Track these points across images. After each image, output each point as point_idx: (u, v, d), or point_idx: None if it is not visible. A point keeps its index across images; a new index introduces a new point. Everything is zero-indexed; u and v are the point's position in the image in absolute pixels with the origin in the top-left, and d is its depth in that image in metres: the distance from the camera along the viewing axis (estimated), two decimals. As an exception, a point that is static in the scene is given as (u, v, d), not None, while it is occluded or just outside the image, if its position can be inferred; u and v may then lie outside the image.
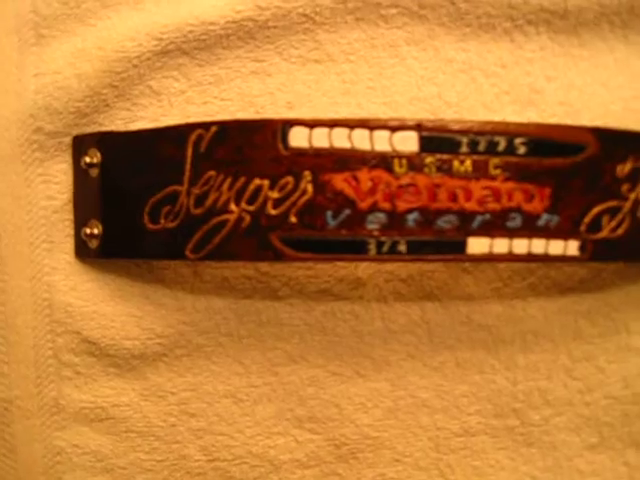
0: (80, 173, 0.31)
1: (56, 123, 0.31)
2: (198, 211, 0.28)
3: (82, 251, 0.31)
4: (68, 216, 0.32)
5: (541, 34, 0.32)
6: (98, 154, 0.31)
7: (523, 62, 0.32)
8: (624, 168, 0.29)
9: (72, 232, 0.32)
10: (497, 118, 0.31)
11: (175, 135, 0.29)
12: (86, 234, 0.31)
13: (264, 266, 0.31)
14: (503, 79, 0.31)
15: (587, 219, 0.28)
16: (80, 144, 0.31)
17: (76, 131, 0.32)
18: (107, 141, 0.31)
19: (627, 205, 0.29)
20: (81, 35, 0.31)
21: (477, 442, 0.32)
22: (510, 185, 0.28)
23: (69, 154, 0.32)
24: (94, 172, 0.31)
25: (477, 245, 0.28)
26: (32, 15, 0.31)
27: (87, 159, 0.31)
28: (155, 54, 0.31)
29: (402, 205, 0.27)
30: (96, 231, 0.31)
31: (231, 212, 0.28)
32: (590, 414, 0.32)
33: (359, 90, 0.31)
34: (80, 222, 0.31)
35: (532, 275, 0.32)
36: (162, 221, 0.29)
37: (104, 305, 0.31)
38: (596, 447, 0.32)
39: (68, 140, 0.32)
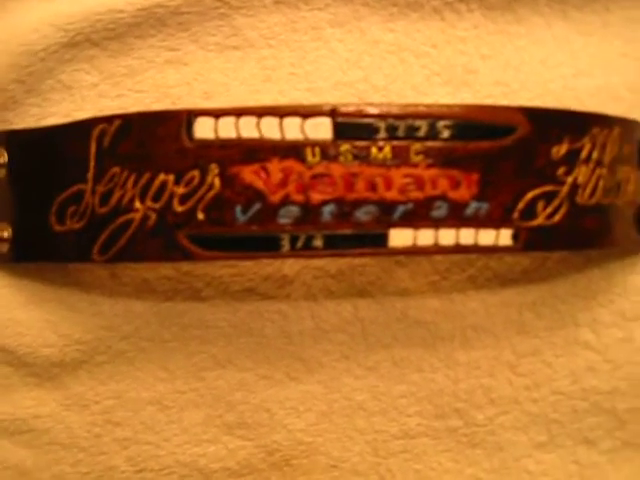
0: (-11, 174, 0.29)
1: None
2: (103, 210, 0.26)
3: (-6, 256, 0.29)
4: (-20, 220, 0.29)
5: (473, 11, 0.29)
6: (5, 153, 0.28)
7: (455, 41, 0.29)
8: (560, 150, 0.26)
9: (-16, 236, 0.29)
10: (429, 101, 0.29)
11: (78, 130, 0.26)
12: (-4, 237, 0.29)
13: (185, 265, 0.29)
14: (434, 60, 0.29)
15: (520, 205, 0.26)
16: (-12, 143, 0.29)
17: (-16, 130, 0.29)
18: (13, 139, 0.28)
19: (564, 189, 0.26)
20: None
21: (418, 444, 0.30)
22: (434, 172, 0.25)
23: (-21, 155, 0.29)
24: (1, 172, 0.28)
25: (399, 237, 0.25)
26: None
27: (-5, 159, 0.29)
28: (63, 46, 0.28)
29: (316, 197, 0.25)
30: (6, 234, 0.28)
31: (136, 210, 0.25)
32: (538, 411, 0.30)
33: (281, 76, 0.29)
34: (-9, 225, 0.29)
35: (471, 267, 0.29)
36: (68, 222, 0.26)
37: (19, 312, 0.29)
38: (545, 446, 0.30)
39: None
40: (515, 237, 0.26)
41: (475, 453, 0.30)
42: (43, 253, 0.28)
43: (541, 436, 0.30)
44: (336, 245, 0.25)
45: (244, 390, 0.29)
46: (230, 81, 0.28)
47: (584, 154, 0.27)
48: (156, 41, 0.29)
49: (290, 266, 0.29)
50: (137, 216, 0.25)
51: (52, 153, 0.27)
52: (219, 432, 0.30)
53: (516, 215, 0.26)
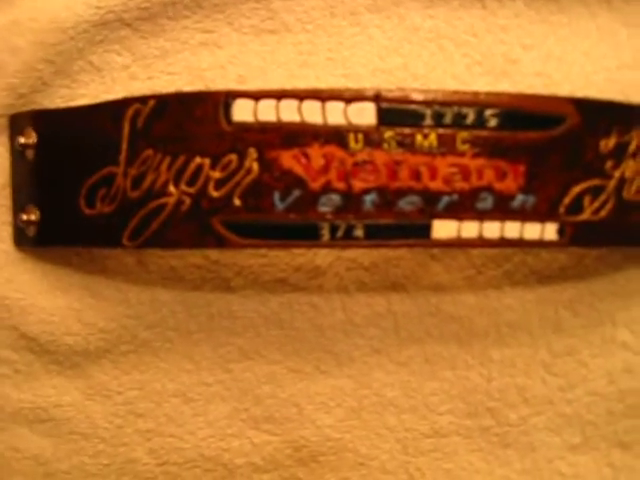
0: (16, 155, 0.27)
1: None
2: (135, 194, 0.24)
3: (20, 239, 0.28)
4: (4, 202, 0.28)
5: (516, 0, 0.28)
6: (34, 134, 0.27)
7: (496, 30, 0.28)
8: (608, 143, 0.25)
9: (9, 219, 0.28)
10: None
11: (111, 111, 0.25)
12: (23, 220, 0.27)
13: (214, 254, 0.27)
14: (474, 48, 0.27)
15: (566, 200, 0.24)
16: (15, 124, 0.27)
17: (13, 112, 0.28)
18: (42, 120, 0.27)
19: (611, 184, 0.25)
20: (14, 6, 0.28)
21: (449, 443, 0.28)
22: (480, 162, 0.24)
23: (6, 136, 0.28)
24: (30, 154, 0.27)
25: (443, 229, 0.24)
26: None
27: (22, 139, 0.27)
28: (93, 25, 0.27)
29: (358, 185, 0.23)
30: (33, 217, 0.27)
31: (170, 194, 0.24)
32: (572, 412, 0.28)
33: (317, 62, 0.27)
34: (17, 208, 0.28)
35: (508, 262, 0.28)
36: (99, 205, 0.25)
37: (43, 298, 0.27)
38: (578, 448, 0.28)
39: (4, 121, 0.28)
40: (560, 232, 0.24)
41: (507, 453, 0.28)
42: (71, 237, 0.26)
43: (575, 438, 0.28)
44: (377, 235, 0.23)
45: (272, 383, 0.28)
46: (266, 65, 0.27)
47: (632, 148, 0.25)
48: (190, 22, 0.27)
49: (323, 257, 0.27)
50: (171, 200, 0.24)
51: (83, 134, 0.25)
52: (245, 426, 0.28)
53: (562, 209, 0.24)
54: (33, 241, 0.27)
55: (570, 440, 0.28)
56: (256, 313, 0.28)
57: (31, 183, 0.27)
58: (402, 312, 0.28)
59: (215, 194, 0.23)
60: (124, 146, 0.24)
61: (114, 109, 0.25)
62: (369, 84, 0.27)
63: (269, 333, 0.28)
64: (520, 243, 0.24)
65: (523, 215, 0.24)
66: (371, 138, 0.23)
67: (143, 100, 0.24)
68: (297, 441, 0.28)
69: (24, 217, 0.27)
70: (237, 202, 0.23)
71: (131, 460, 0.28)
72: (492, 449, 0.28)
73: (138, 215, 0.24)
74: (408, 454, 0.28)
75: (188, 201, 0.24)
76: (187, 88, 0.27)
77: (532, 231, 0.24)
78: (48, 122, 0.27)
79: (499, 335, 0.28)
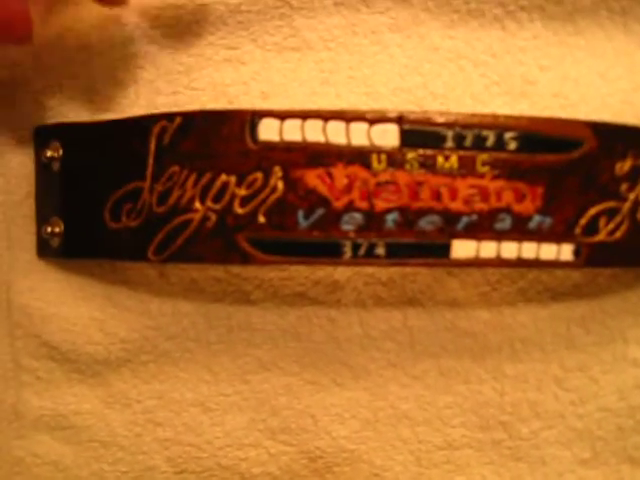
0: (41, 167, 0.28)
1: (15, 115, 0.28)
2: (161, 209, 0.25)
3: (43, 250, 0.28)
4: (28, 212, 0.28)
5: (534, 21, 0.28)
6: (59, 147, 0.27)
7: (515, 51, 0.28)
8: (623, 166, 0.25)
9: (33, 229, 0.28)
10: (486, 110, 0.28)
11: (138, 126, 0.25)
12: (47, 232, 0.28)
13: (235, 267, 0.27)
14: (493, 69, 0.28)
15: (583, 221, 0.25)
16: (41, 136, 0.28)
17: (38, 123, 0.28)
18: (68, 133, 0.27)
19: (626, 206, 0.25)
20: (44, 25, 0.28)
21: (461, 456, 0.29)
22: (499, 183, 0.24)
23: (31, 148, 0.28)
24: (56, 166, 0.27)
25: (462, 248, 0.24)
26: None
27: (49, 152, 0.27)
28: (121, 42, 0.27)
29: (381, 204, 0.24)
30: (57, 229, 0.27)
31: (196, 211, 0.24)
32: (583, 427, 0.29)
33: (339, 80, 0.28)
34: (41, 219, 0.28)
35: (522, 279, 0.28)
36: (124, 219, 0.25)
37: (65, 307, 0.28)
38: (589, 462, 0.29)
39: (28, 134, 0.28)
40: (576, 253, 0.25)
41: (518, 466, 0.29)
42: (95, 250, 0.27)
43: (585, 452, 0.29)
44: (398, 254, 0.24)
45: (289, 395, 0.28)
46: (288, 82, 0.27)
47: (647, 171, 0.26)
48: (215, 39, 0.27)
49: (341, 272, 0.28)
50: (196, 216, 0.24)
51: (109, 148, 0.26)
52: (262, 436, 0.28)
53: (578, 230, 0.25)
54: (57, 252, 0.28)
55: (580, 454, 0.29)
56: (275, 326, 0.28)
57: (56, 195, 0.27)
58: (418, 327, 0.28)
59: (240, 211, 0.24)
60: (150, 161, 0.25)
61: (141, 125, 0.25)
62: (390, 103, 0.27)
63: (287, 345, 0.28)
64: (537, 263, 0.25)
65: (540, 236, 0.24)
66: (394, 159, 0.24)
67: (170, 117, 0.25)
68: (313, 452, 0.29)
69: (48, 229, 0.28)
70: (262, 219, 0.24)
71: (149, 468, 0.29)
72: (504, 462, 0.29)
73: (164, 230, 0.25)
74: (421, 466, 0.29)
75: (214, 217, 0.24)
76: (210, 104, 0.27)
77: (548, 251, 0.25)
78: (74, 135, 0.27)
79: (512, 350, 0.28)
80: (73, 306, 0.28)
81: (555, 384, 0.28)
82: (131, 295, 0.28)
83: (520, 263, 0.24)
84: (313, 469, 0.29)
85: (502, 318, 0.28)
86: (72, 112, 0.28)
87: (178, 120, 0.24)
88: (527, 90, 0.28)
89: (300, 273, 0.28)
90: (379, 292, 0.28)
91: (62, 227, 0.27)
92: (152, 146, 0.25)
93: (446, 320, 0.28)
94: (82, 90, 0.28)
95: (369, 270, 0.28)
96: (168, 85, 0.28)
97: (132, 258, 0.26)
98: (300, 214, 0.24)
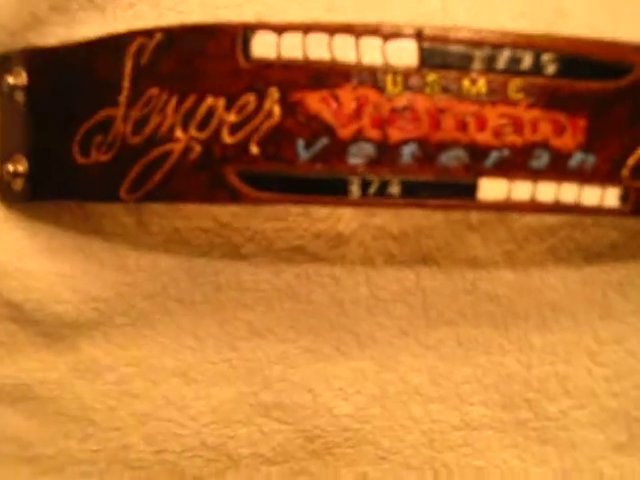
0: (4, 97, 0.24)
1: None
2: (136, 140, 0.21)
3: (4, 194, 0.24)
4: (-11, 151, 0.25)
5: None
6: (24, 74, 0.23)
7: None
8: (678, 99, 0.21)
9: (-6, 171, 0.25)
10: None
11: (112, 46, 0.21)
12: (9, 172, 0.24)
13: (224, 216, 0.24)
14: None
15: (631, 161, 0.21)
16: (4, 63, 0.24)
17: (2, 50, 0.24)
18: (34, 58, 0.23)
19: (681, 147, 0.22)
20: None
21: (480, 438, 0.25)
22: (535, 113, 0.20)
23: (-7, 78, 0.25)
24: (19, 96, 0.23)
25: (491, 189, 0.20)
26: None
27: (11, 80, 0.23)
28: None
29: (396, 134, 0.20)
30: (21, 168, 0.23)
31: (177, 140, 0.20)
32: (618, 407, 0.25)
33: (346, 3, 0.24)
34: (2, 157, 0.24)
35: (552, 236, 0.24)
36: (94, 153, 0.21)
37: (29, 261, 0.24)
38: (624, 447, 0.25)
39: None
40: (623, 198, 0.21)
41: (544, 450, 0.25)
42: (63, 190, 0.23)
43: (620, 436, 0.25)
44: (415, 193, 0.20)
45: (284, 364, 0.25)
46: (286, 3, 0.24)
47: None
48: None
49: (346, 223, 0.24)
50: (177, 147, 0.20)
51: (78, 73, 0.22)
52: (253, 412, 0.25)
53: (626, 172, 0.21)
54: (20, 196, 0.24)
55: (615, 438, 0.25)
56: (269, 285, 0.24)
57: (19, 129, 0.23)
58: (433, 288, 0.24)
59: (229, 140, 0.20)
60: (126, 84, 0.21)
61: (115, 44, 0.21)
62: (404, 29, 0.24)
63: (283, 308, 0.25)
64: (577, 209, 0.21)
65: (581, 177, 0.20)
66: (411, 81, 0.20)
67: (149, 33, 0.21)
68: (310, 431, 0.25)
69: (10, 168, 0.24)
70: (254, 150, 0.20)
71: (124, 446, 0.25)
72: (528, 445, 0.25)
73: (139, 164, 0.20)
74: (434, 449, 0.25)
75: (198, 148, 0.20)
76: (199, 28, 0.24)
77: (591, 195, 0.21)
78: (40, 61, 0.23)
79: (540, 318, 0.25)
80: (38, 260, 0.24)
81: (588, 357, 0.25)
82: (105, 247, 0.24)
83: (558, 208, 0.20)
84: (310, 450, 0.25)
85: (529, 280, 0.25)
86: (40, 38, 0.24)
87: (158, 36, 0.20)
88: (558, 22, 0.24)
89: (299, 224, 0.24)
90: (390, 248, 0.24)
91: (26, 166, 0.23)
92: (128, 67, 0.21)
93: (465, 281, 0.25)
94: (53, 12, 0.24)
95: (378, 222, 0.24)
96: (151, 8, 0.24)
97: (103, 198, 0.22)
98: (300, 144, 0.19)
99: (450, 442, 0.25)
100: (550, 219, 0.25)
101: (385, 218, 0.24)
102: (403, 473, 0.25)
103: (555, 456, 0.26)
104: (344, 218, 0.24)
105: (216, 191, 0.20)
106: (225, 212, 0.24)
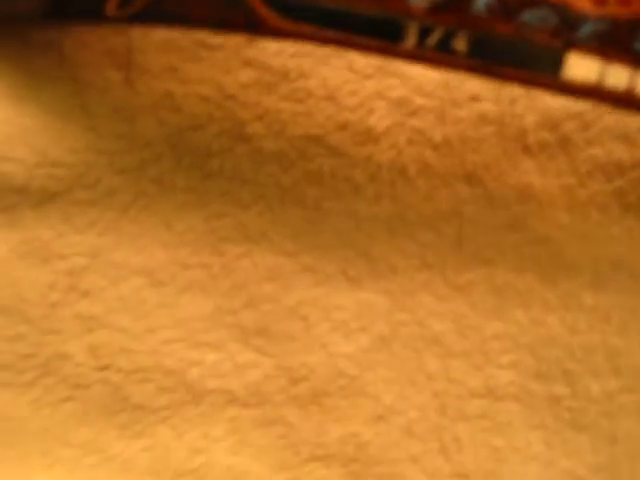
0: None
1: None
2: (137, -54, 0.16)
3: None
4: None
5: None
6: None
7: None
8: None
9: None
10: None
11: None
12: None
13: (231, 86, 0.19)
14: None
15: None
16: None
17: None
18: None
19: None
20: None
21: (503, 411, 0.20)
22: (647, -17, 0.16)
23: None
24: None
25: (581, 66, 0.16)
26: None
27: None
28: None
29: (471, -25, 0.15)
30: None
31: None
32: (675, 397, 0.20)
33: None
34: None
35: (621, 176, 0.20)
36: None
37: (-18, 105, 0.19)
38: (675, 449, 0.21)
39: None
40: None
41: (578, 440, 0.20)
42: (42, 8, 0.18)
43: (672, 434, 0.21)
44: (485, 54, 0.15)
45: (276, 282, 0.20)
46: None
47: None
48: None
49: (380, 118, 0.19)
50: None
51: None
52: (228, 335, 0.20)
53: None
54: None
55: None
56: (272, 179, 0.20)
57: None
58: (472, 216, 0.20)
59: (256, -50, 0.15)
60: None
61: None
62: None
63: (285, 211, 0.20)
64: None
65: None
66: None
67: None
68: (296, 370, 0.20)
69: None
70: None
71: (61, 355, 0.20)
72: (559, 429, 0.20)
73: (135, -25, 0.16)
74: (446, 415, 0.20)
75: (213, -43, 0.16)
76: None
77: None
78: None
79: (596, 273, 0.20)
80: (-7, 106, 0.19)
81: (646, 329, 0.20)
82: (77, 102, 0.19)
83: (658, 109, 0.16)
84: (293, 395, 0.20)
85: (587, 226, 0.21)
86: None
87: None
88: None
89: (322, 109, 0.19)
90: (426, 157, 0.20)
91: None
92: None
93: (511, 213, 0.20)
94: None
95: (418, 124, 0.19)
96: None
97: (88, 16, 0.17)
98: (347, -33, 0.15)
99: (466, 410, 0.20)
100: (622, 153, 0.20)
101: (427, 120, 0.19)
102: (402, 440, 0.20)
103: (588, 448, 0.21)
104: (378, 111, 0.19)
105: (228, 13, 0.15)
106: (233, 81, 0.19)
